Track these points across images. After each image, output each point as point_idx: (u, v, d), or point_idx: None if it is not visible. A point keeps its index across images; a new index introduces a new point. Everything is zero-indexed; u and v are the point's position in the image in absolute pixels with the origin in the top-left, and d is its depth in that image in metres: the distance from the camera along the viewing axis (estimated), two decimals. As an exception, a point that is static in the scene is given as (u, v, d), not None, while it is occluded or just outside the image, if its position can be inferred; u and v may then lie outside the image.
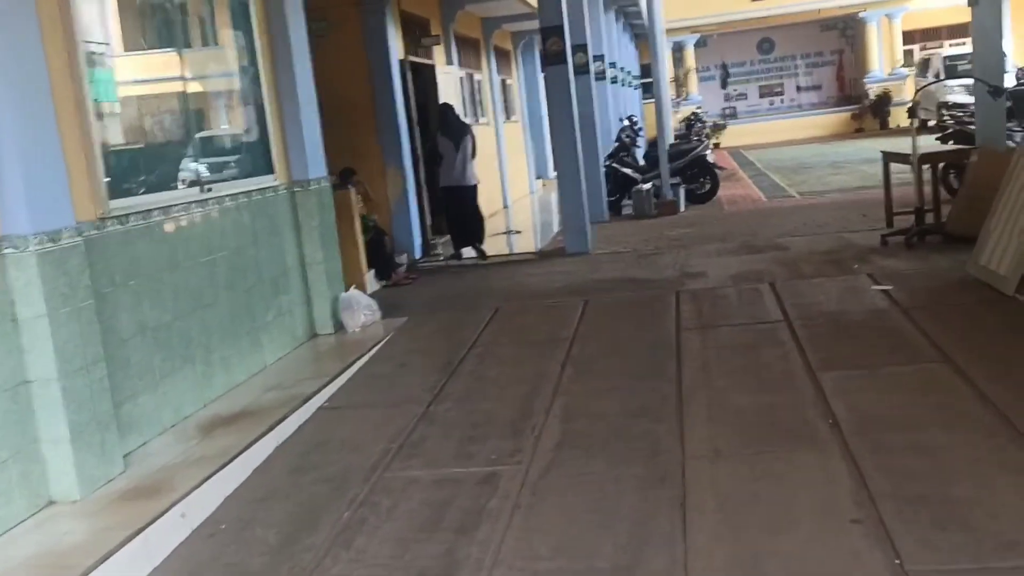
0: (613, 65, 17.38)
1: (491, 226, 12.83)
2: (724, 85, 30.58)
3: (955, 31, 29.60)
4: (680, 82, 28.71)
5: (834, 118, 28.01)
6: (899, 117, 26.65)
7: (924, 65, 24.50)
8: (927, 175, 8.24)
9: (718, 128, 27.72)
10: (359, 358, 6.38)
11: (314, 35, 9.65)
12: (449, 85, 12.11)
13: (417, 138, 10.40)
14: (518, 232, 11.82)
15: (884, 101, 26.80)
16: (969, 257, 6.57)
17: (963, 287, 6.19)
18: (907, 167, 8.58)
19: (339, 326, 7.13)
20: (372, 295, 8.43)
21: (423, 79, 11.79)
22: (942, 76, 22.79)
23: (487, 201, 14.16)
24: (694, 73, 28.87)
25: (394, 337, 6.87)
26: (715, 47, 30.22)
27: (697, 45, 28.98)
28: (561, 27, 9.47)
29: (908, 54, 28.28)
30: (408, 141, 10.08)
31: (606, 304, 7.11)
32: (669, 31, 26.98)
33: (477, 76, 14.53)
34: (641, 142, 17.48)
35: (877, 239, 8.36)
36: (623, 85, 19.51)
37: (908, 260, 7.31)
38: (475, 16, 14.16)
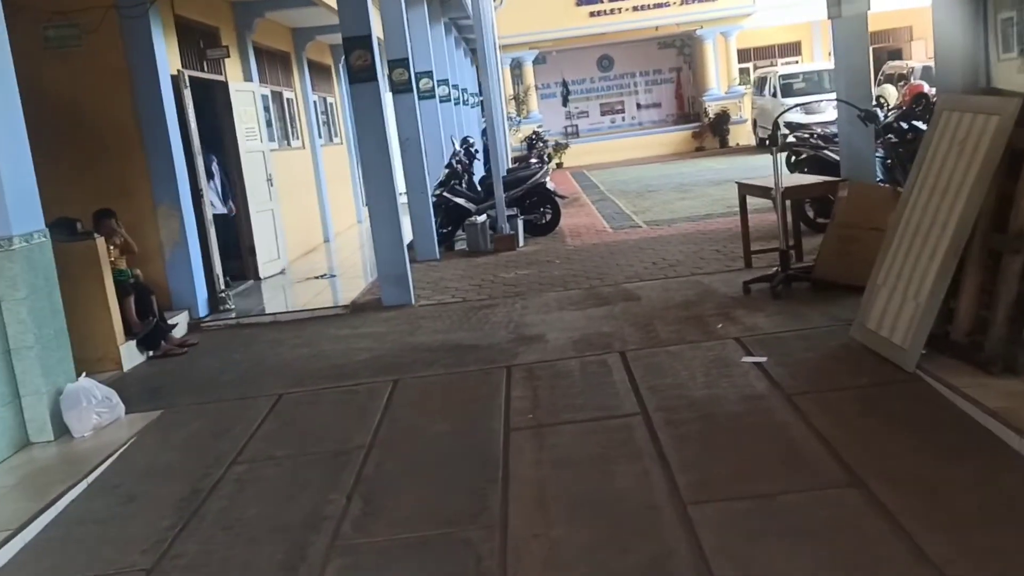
0: (446, 83, 15.98)
1: (306, 267, 11.13)
2: (565, 103, 29.80)
3: (786, 50, 30.11)
4: (520, 100, 27.71)
5: (675, 136, 27.71)
6: (738, 135, 26.61)
7: (760, 83, 24.46)
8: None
9: (560, 147, 26.87)
10: (75, 484, 4.62)
11: (56, 43, 7.77)
12: (246, 104, 10.33)
13: (200, 167, 8.58)
14: (333, 276, 10.15)
15: (723, 119, 26.70)
16: (853, 318, 5.46)
17: (852, 359, 5.05)
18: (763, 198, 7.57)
19: (63, 430, 5.33)
20: (129, 374, 6.62)
21: (212, 98, 9.97)
22: (778, 94, 22.73)
23: (304, 235, 12.44)
24: (534, 90, 27.94)
25: (135, 445, 5.13)
26: (555, 64, 29.44)
27: (536, 62, 28.08)
28: (368, 38, 7.92)
29: (744, 72, 28.40)
30: (187, 172, 8.26)
31: (420, 386, 5.60)
32: (506, 47, 25.95)
33: (287, 94, 12.76)
34: (480, 167, 16.17)
35: (737, 283, 7.26)
36: (459, 105, 18.13)
37: (778, 315, 6.17)
38: (282, 26, 12.41)
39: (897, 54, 28.11)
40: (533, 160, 16.86)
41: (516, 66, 27.92)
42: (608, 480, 3.90)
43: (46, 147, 6.43)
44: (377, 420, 4.98)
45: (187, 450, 5.00)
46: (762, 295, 6.83)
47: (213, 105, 9.96)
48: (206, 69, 9.64)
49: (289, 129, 12.77)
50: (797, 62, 29.17)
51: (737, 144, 26.39)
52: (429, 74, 13.54)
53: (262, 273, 10.36)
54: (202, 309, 8.29)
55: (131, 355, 7.00)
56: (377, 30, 11.44)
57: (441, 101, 15.68)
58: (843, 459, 3.79)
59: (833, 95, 22.22)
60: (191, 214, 8.27)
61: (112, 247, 7.12)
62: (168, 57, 8.33)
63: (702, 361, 5.35)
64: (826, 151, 9.76)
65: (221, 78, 10.01)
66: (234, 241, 10.33)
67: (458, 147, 14.28)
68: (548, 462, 4.16)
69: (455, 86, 17.24)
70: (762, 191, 7.28)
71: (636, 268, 8.81)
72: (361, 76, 7.95)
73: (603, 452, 4.20)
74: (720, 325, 6.07)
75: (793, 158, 13.11)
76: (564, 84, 29.88)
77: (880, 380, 4.64)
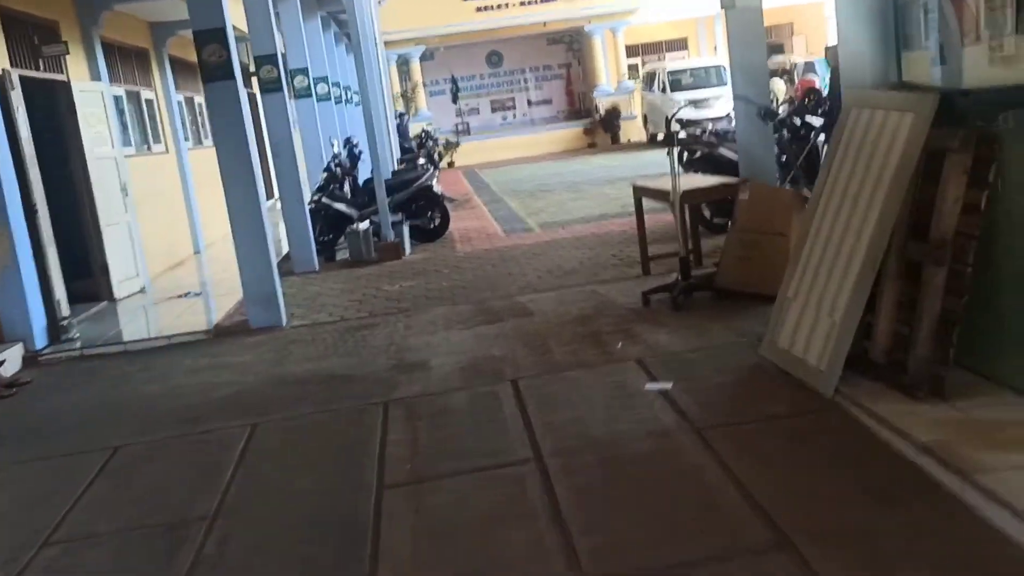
0: (325, 80, 15.08)
1: (171, 284, 10.16)
2: (455, 100, 29.15)
3: (673, 45, 30.25)
4: (408, 97, 26.90)
5: (567, 133, 27.41)
6: (629, 131, 26.50)
7: (649, 78, 24.38)
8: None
9: (451, 146, 26.21)
10: None
11: None
12: (93, 106, 9.27)
13: (35, 181, 7.56)
14: (197, 294, 9.21)
15: (614, 115, 26.53)
16: (761, 332, 5.00)
17: (764, 382, 4.57)
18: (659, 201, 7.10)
19: None
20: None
21: (51, 100, 8.90)
22: (667, 90, 22.65)
23: (169, 247, 11.42)
24: (422, 88, 27.18)
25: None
26: (443, 60, 28.76)
27: (423, 58, 27.33)
28: (221, 31, 7.07)
29: (633, 68, 28.33)
30: (16, 186, 7.24)
31: (282, 431, 4.85)
32: (391, 43, 25.12)
33: (146, 94, 11.68)
34: (366, 168, 15.32)
35: (635, 293, 6.76)
36: (340, 103, 17.20)
37: (681, 330, 5.67)
38: (137, 20, 11.33)
39: (779, 49, 28.56)
40: (421, 160, 16.14)
41: (403, 63, 27.12)
42: (496, 551, 3.27)
43: None
44: (227, 478, 4.22)
45: (-8, 527, 4.13)
46: (662, 306, 6.34)
47: (53, 108, 8.89)
48: (43, 68, 8.57)
49: (149, 132, 11.69)
50: (684, 57, 29.33)
51: (628, 140, 26.29)
52: (304, 71, 12.66)
53: (117, 293, 9.34)
54: (40, 340, 7.28)
55: (-54, 401, 6.00)
56: (241, 23, 10.59)
57: (319, 100, 14.78)
58: (765, 511, 3.27)
59: (720, 90, 22.37)
60: (23, 233, 7.25)
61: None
62: (-8, 54, 7.30)
63: (602, 389, 4.78)
64: (721, 149, 9.41)
65: (62, 77, 8.94)
66: (84, 259, 9.28)
67: (340, 149, 13.44)
68: (425, 531, 3.50)
69: (336, 84, 16.33)
70: (659, 194, 6.80)
71: (529, 277, 8.24)
72: (216, 74, 7.10)
73: (491, 512, 3.57)
74: (620, 344, 5.53)
75: (686, 156, 12.83)
76: (453, 81, 29.23)
77: (797, 408, 4.16)
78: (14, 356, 6.99)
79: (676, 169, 6.33)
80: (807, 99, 9.15)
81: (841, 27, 4.73)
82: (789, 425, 4.03)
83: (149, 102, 11.78)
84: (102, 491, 4.33)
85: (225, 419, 5.10)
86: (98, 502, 4.20)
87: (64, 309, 7.68)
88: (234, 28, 11.50)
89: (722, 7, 6.52)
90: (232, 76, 7.13)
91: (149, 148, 11.64)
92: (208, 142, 14.65)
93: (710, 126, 14.15)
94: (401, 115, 22.90)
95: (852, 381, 4.20)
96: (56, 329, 7.49)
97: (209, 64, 7.06)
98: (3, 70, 7.27)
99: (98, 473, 4.52)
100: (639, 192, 7.47)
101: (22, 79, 7.96)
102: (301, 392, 5.48)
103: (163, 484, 4.34)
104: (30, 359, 7.13)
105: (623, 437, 4.11)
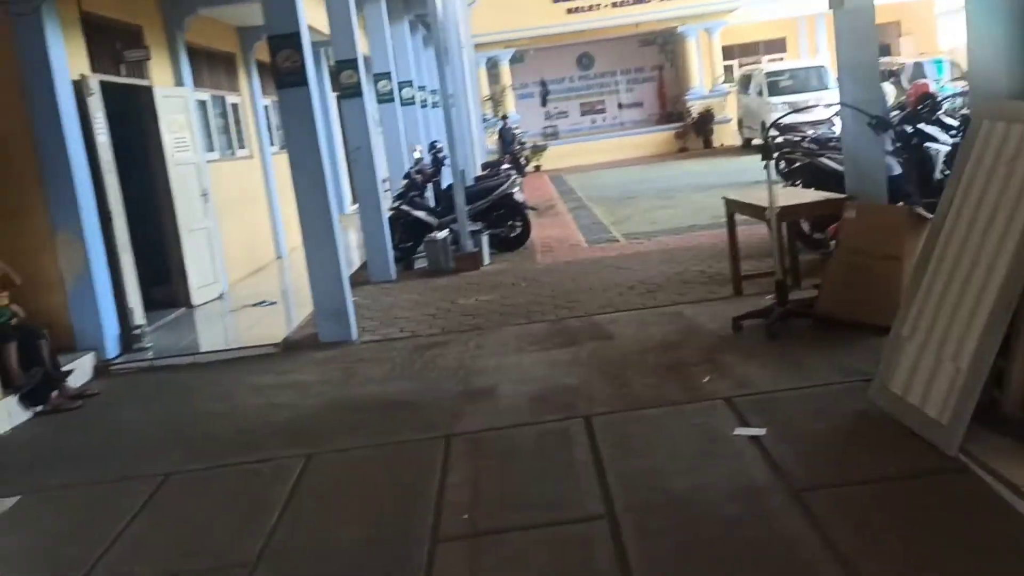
0: (410, 85, 14.88)
1: (250, 290, 10.06)
2: (544, 103, 28.76)
3: (772, 46, 29.16)
4: (497, 100, 26.63)
5: (658, 137, 26.69)
6: (723, 135, 25.64)
7: (745, 81, 23.46)
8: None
9: (539, 149, 25.82)
10: None
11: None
12: (176, 111, 9.21)
13: (111, 187, 7.49)
14: (272, 303, 9.04)
15: (707, 119, 25.69)
16: (869, 371, 4.44)
17: (873, 434, 4.01)
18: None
19: None
20: (7, 437, 5.56)
21: (134, 105, 8.87)
22: (764, 93, 21.75)
23: (251, 253, 11.35)
24: (511, 90, 26.86)
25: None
26: (532, 63, 28.39)
27: (513, 61, 27.00)
28: (295, 36, 6.84)
29: (728, 70, 27.42)
30: (92, 192, 7.16)
31: (337, 466, 4.52)
32: (480, 46, 24.92)
33: (232, 99, 11.64)
34: (449, 173, 15.08)
35: (725, 317, 6.23)
36: (426, 108, 16.98)
37: (776, 364, 5.13)
38: (224, 24, 11.30)
39: (885, 51, 27.21)
40: (504, 166, 15.81)
41: (492, 65, 26.86)
42: (557, 633, 2.85)
43: None
44: (274, 520, 3.91)
45: (21, 565, 3.91)
46: (755, 334, 5.80)
47: (136, 113, 8.85)
48: (125, 73, 8.53)
49: (234, 137, 11.66)
50: (782, 59, 28.25)
51: (722, 144, 25.43)
52: (388, 75, 12.45)
53: (195, 299, 9.26)
54: (112, 349, 7.19)
55: (12, 412, 5.91)
56: (324, 27, 10.44)
57: (404, 104, 14.61)
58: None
59: (822, 93, 21.37)
60: (98, 240, 7.17)
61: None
62: (71, 60, 7.23)
63: (685, 432, 4.30)
64: (823, 158, 8.74)
65: (145, 82, 8.90)
66: (163, 265, 9.23)
67: (423, 154, 13.20)
68: (480, 600, 3.11)
69: (422, 87, 16.13)
70: (754, 211, 6.24)
71: (611, 294, 7.77)
72: (288, 80, 6.87)
73: (553, 581, 3.16)
74: (707, 378, 5.02)
75: (783, 165, 12.11)
76: (543, 83, 28.86)
77: (914, 469, 3.60)
78: (85, 366, 6.90)
79: (773, 182, 5.78)
80: (921, 105, 8.40)
81: (972, 29, 4.14)
82: (905, 489, 3.48)
83: (235, 107, 11.74)
84: (144, 527, 4.07)
85: (281, 447, 4.81)
86: (137, 539, 3.94)
87: (138, 318, 7.58)
88: (318, 32, 11.44)
89: (830, 7, 5.93)
90: (305, 82, 6.88)
91: (233, 153, 11.60)
92: (294, 146, 14.63)
93: (810, 132, 13.39)
94: (505, 118, 22.50)
95: (981, 438, 3.62)
96: (129, 338, 7.38)
97: (282, 70, 6.84)
98: (81, 75, 7.20)
99: (143, 505, 4.28)
100: (732, 207, 6.92)
101: (103, 84, 7.91)
102: (361, 420, 5.15)
103: (208, 522, 4.05)
104: (101, 369, 7.03)
105: (708, 494, 3.63)
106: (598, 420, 4.57)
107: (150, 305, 9.10)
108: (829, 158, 8.77)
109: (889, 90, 19.10)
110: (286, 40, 6.85)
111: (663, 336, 6.10)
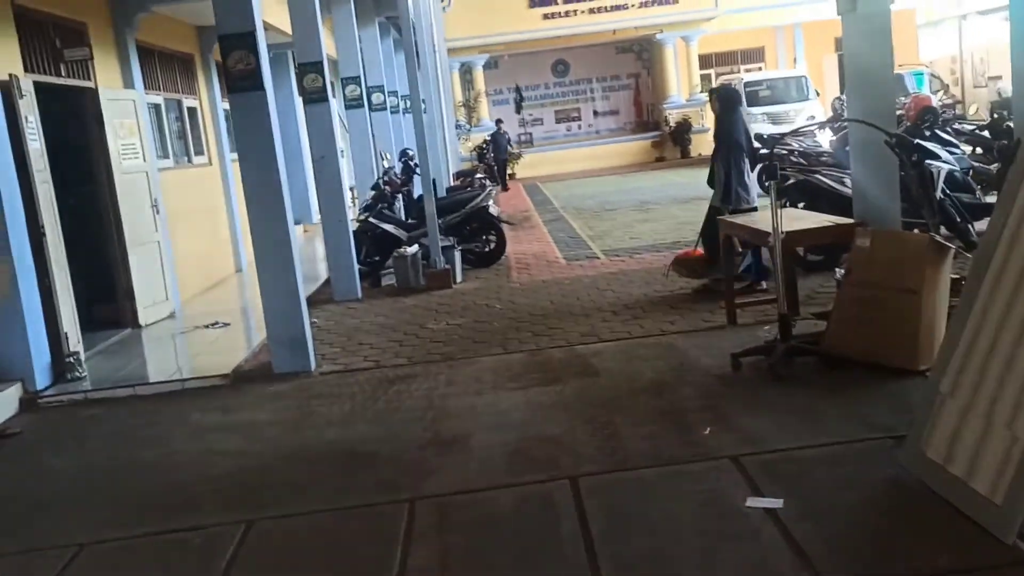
0: (380, 89, 14.24)
1: (205, 307, 9.36)
2: (519, 110, 28.20)
3: (749, 56, 28.84)
4: (471, 106, 26.04)
5: (634, 146, 26.24)
6: (700, 145, 25.21)
7: (724, 91, 23.03)
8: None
9: (513, 156, 25.24)
10: None
11: None
12: (124, 116, 8.50)
13: (44, 198, 6.77)
14: (226, 325, 8.33)
15: (684, 128, 25.28)
16: (892, 423, 3.87)
17: (909, 509, 3.43)
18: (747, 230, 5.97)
19: None
20: None
21: (77, 109, 8.16)
22: (743, 103, 21.30)
23: (207, 266, 10.64)
24: (485, 97, 26.28)
25: None
26: (507, 69, 27.85)
27: (487, 66, 26.44)
28: (249, 36, 6.18)
29: (705, 79, 27.03)
30: (21, 205, 6.44)
31: (279, 539, 3.85)
32: (454, 50, 24.34)
33: (189, 102, 10.93)
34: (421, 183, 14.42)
35: (721, 351, 5.68)
36: (397, 113, 16.29)
37: (786, 414, 4.54)
38: (180, 23, 10.59)
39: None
40: (479, 175, 15.23)
41: (466, 71, 26.27)
42: None
43: None
44: (200, 613, 3.25)
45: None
46: (757, 374, 5.22)
47: (77, 118, 8.14)
48: (65, 74, 7.81)
49: (191, 143, 10.94)
50: (760, 68, 27.93)
51: (699, 154, 24.98)
52: (356, 80, 11.80)
53: (143, 319, 8.54)
54: (42, 379, 6.47)
55: (-83, 457, 5.19)
56: (288, 27, 9.78)
57: (373, 110, 13.97)
58: None
59: (803, 104, 20.98)
60: (27, 258, 6.45)
61: None
62: (4, 59, 6.52)
63: (688, 502, 3.70)
64: (819, 176, 8.23)
65: (89, 84, 8.18)
66: (108, 283, 8.51)
67: (392, 163, 12.56)
68: None
69: (393, 93, 15.48)
70: (755, 235, 5.67)
71: (593, 320, 7.18)
72: (241, 84, 6.21)
73: None
74: (708, 429, 4.43)
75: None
76: (517, 90, 28.32)
77: (966, 560, 3.03)
78: (9, 399, 6.18)
79: (776, 206, 5.21)
80: (922, 120, 7.92)
81: (1017, 41, 3.59)
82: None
83: (192, 111, 11.03)
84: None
85: (217, 510, 4.14)
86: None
87: (73, 343, 6.86)
88: (282, 33, 10.76)
89: (838, 12, 5.38)
90: (260, 87, 6.23)
91: (190, 160, 10.89)
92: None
93: (796, 146, 12.91)
94: (498, 122, 21.64)
95: (1043, 523, 3.06)
96: (62, 367, 6.67)
97: (235, 73, 6.17)
98: (10, 75, 6.48)
99: (48, 587, 3.60)
100: (728, 229, 6.35)
101: (39, 86, 7.21)
102: (314, 475, 4.50)
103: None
104: (28, 401, 6.32)
105: (722, 590, 3.03)
106: (586, 482, 3.96)
107: (93, 326, 8.41)
108: (825, 175, 8.27)
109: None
110: (239, 40, 6.19)
111: (654, 373, 5.51)
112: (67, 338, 6.79)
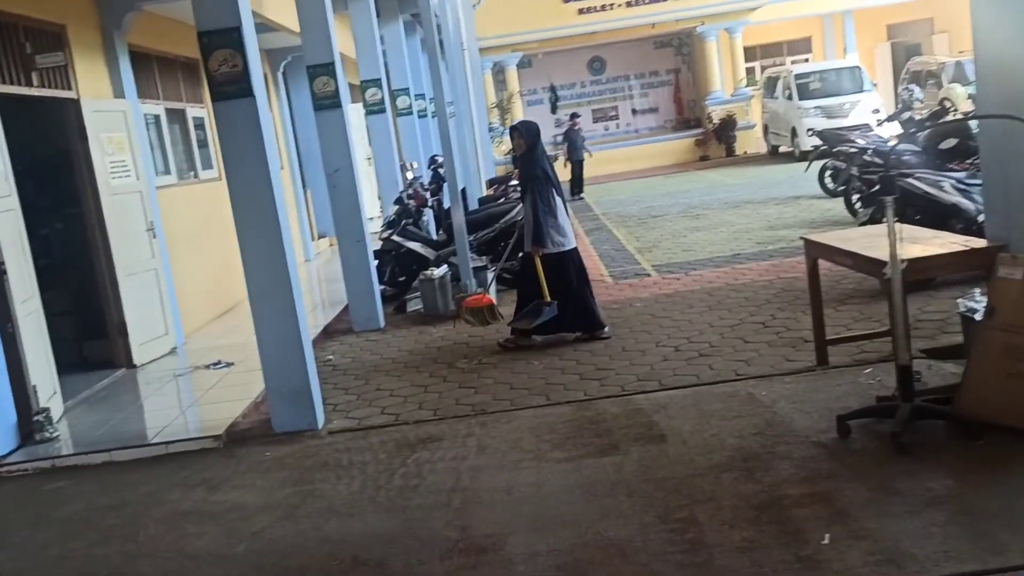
0: (406, 93, 13.20)
1: (212, 341, 8.41)
2: (554, 110, 27.04)
3: (795, 47, 27.45)
4: (504, 108, 24.95)
5: (676, 145, 24.96)
6: (746, 142, 23.91)
7: (772, 84, 21.70)
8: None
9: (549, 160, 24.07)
10: None
11: None
12: (113, 129, 7.54)
13: (6, 228, 5.81)
14: (228, 365, 7.32)
15: (729, 125, 23.96)
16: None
17: None
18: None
19: None
20: None
21: (55, 123, 7.22)
22: (794, 96, 19.99)
23: (216, 292, 9.69)
24: (519, 97, 25.16)
25: None
26: (541, 67, 26.72)
27: (520, 65, 25.32)
28: (234, 32, 5.14)
29: (750, 72, 25.69)
30: (-24, 240, 5.49)
31: None
32: (485, 50, 23.30)
33: (194, 112, 9.98)
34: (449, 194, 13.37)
35: (817, 405, 4.59)
36: (424, 118, 15.24)
37: (930, 511, 3.39)
38: (180, 24, 9.60)
39: (916, 49, 25.43)
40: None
41: (499, 71, 25.19)
42: None
43: None
44: None
45: None
46: (873, 442, 4.08)
47: (54, 132, 7.21)
48: (40, 83, 6.86)
49: (197, 156, 9.99)
50: (807, 60, 26.53)
51: (745, 152, 23.71)
52: (378, 82, 10.78)
53: (137, 358, 7.58)
54: (5, 443, 5.51)
55: None
56: (291, 24, 8.80)
57: (400, 115, 12.96)
58: None
59: (858, 96, 19.58)
60: (-15, 299, 5.49)
61: None
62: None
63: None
64: (913, 179, 7.02)
65: (70, 94, 7.23)
66: (97, 317, 7.57)
67: (419, 172, 11.54)
68: None
69: (419, 96, 14.45)
70: (861, 263, 4.50)
71: (651, 358, 6.07)
72: (225, 90, 5.18)
73: None
74: (827, 537, 3.29)
75: (830, 179, 10.40)
76: (552, 89, 27.17)
77: None
78: (-41, 471, 5.23)
79: (894, 228, 4.06)
80: None
81: None
82: None
83: (197, 121, 10.08)
84: None
85: (170, 661, 3.10)
86: None
87: (44, 398, 5.89)
88: (284, 28, 9.76)
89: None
90: (249, 93, 5.20)
91: (196, 175, 9.94)
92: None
93: (861, 141, 11.65)
94: (573, 116, 20.15)
95: None
96: (28, 424, 5.70)
97: (217, 77, 5.15)
98: (-41, 88, 5.55)
99: None
100: (816, 251, 5.19)
101: (5, 98, 6.28)
102: (306, 596, 3.44)
103: None
104: (-12, 473, 5.36)
105: None
106: (669, 630, 2.85)
107: (84, 366, 7.50)
108: (919, 179, 7.07)
109: (959, 92, 17.28)
110: (223, 37, 5.16)
111: (737, 439, 4.37)
112: (36, 392, 5.81)
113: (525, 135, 7.04)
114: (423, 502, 4.16)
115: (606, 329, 6.79)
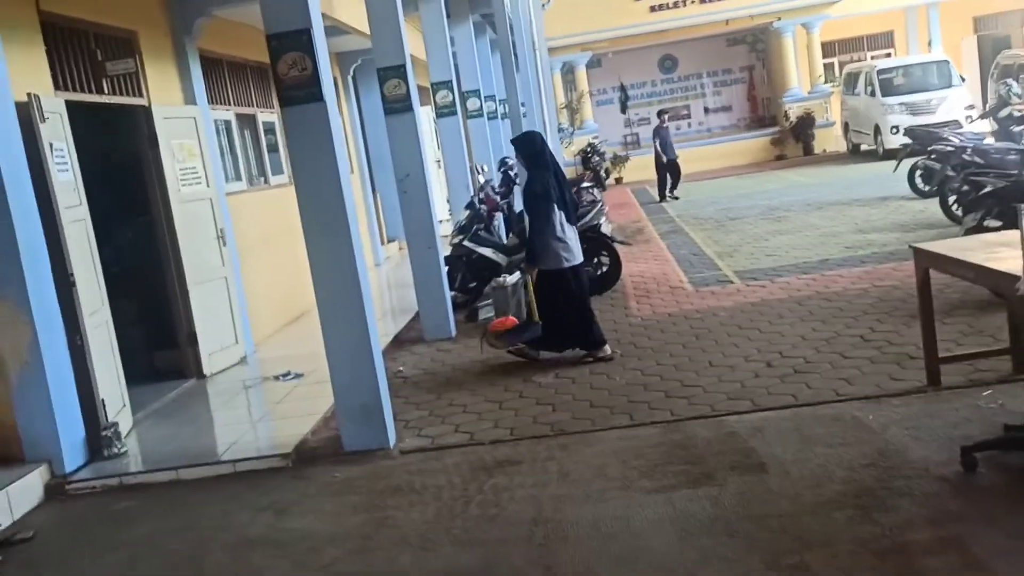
0: (477, 95, 12.95)
1: (283, 349, 8.28)
2: (624, 109, 26.54)
3: (876, 41, 26.48)
4: (573, 108, 24.60)
5: (751, 144, 24.24)
6: (824, 141, 23.09)
7: (852, 80, 20.87)
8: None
9: (619, 160, 23.70)
10: None
11: None
12: (184, 136, 7.45)
13: (74, 239, 5.70)
14: (299, 376, 7.15)
15: (806, 123, 23.16)
16: None
17: None
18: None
19: None
20: None
21: (127, 130, 7.15)
22: (877, 92, 19.17)
23: (288, 299, 9.58)
24: (588, 97, 24.78)
25: None
26: (611, 66, 26.27)
27: (590, 65, 24.95)
28: (303, 34, 4.92)
29: (828, 68, 24.83)
30: (43, 252, 5.37)
31: None
32: (555, 50, 23.01)
33: (264, 116, 9.89)
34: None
35: (932, 431, 4.17)
36: (495, 119, 14.97)
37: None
38: (249, 29, 9.50)
39: (1005, 42, 24.23)
40: (585, 184, 13.74)
41: (568, 71, 24.87)
42: None
43: None
44: None
45: None
46: (1002, 475, 3.65)
47: (124, 139, 7.13)
48: (110, 90, 6.79)
49: (267, 162, 9.90)
50: (889, 55, 25.53)
51: (824, 151, 22.90)
52: (448, 84, 10.54)
53: (208, 368, 7.47)
54: (73, 459, 5.38)
55: None
56: (362, 26, 8.62)
57: (470, 117, 12.72)
58: None
59: (946, 92, 18.66)
60: (53, 313, 5.37)
61: None
62: (18, 76, 5.47)
63: None
64: (1012, 177, 6.47)
65: (140, 101, 7.15)
66: (167, 327, 7.48)
67: (489, 174, 11.28)
68: None
69: (490, 98, 14.18)
70: (985, 277, 4.04)
71: (740, 373, 5.67)
72: (295, 95, 4.96)
73: None
74: (965, 594, 2.90)
75: (921, 179, 9.81)
76: (622, 89, 26.68)
77: None
78: (30, 488, 5.11)
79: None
80: None
81: None
82: None
83: (268, 126, 9.99)
84: None
85: None
86: None
87: (112, 412, 5.77)
88: (354, 30, 9.60)
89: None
90: (319, 97, 4.97)
91: (266, 181, 9.85)
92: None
93: (955, 139, 11.00)
94: (662, 114, 19.51)
95: None
96: (96, 439, 5.58)
97: (286, 81, 4.93)
98: (29, 95, 5.43)
99: None
100: (927, 260, 4.74)
101: (76, 106, 6.19)
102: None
103: None
104: (55, 488, 5.23)
105: None
106: None
107: (154, 376, 7.44)
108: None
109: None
110: (291, 41, 4.95)
111: (846, 471, 3.97)
112: (104, 406, 5.69)
113: (521, 150, 6.73)
114: (503, 535, 3.86)
115: (607, 347, 6.47)
